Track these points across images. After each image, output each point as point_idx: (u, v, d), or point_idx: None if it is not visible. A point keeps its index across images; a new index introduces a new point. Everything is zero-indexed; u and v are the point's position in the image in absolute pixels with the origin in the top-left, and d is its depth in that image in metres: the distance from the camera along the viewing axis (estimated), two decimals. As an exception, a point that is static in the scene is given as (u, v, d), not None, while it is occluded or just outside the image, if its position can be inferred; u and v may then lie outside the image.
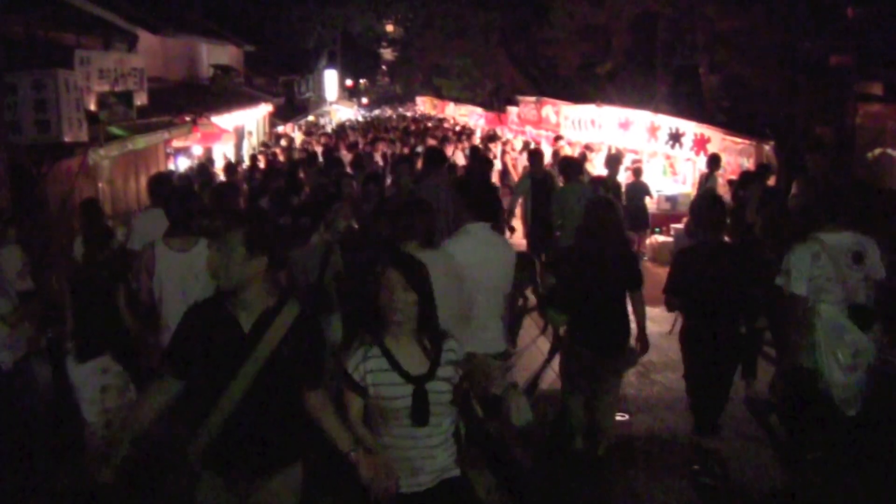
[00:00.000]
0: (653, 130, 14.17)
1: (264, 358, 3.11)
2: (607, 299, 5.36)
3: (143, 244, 5.89)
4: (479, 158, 13.60)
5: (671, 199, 13.31)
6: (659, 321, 8.04)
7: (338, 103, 47.54)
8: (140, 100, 11.89)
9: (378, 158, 17.41)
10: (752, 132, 12.70)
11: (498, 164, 17.27)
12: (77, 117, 8.81)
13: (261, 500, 3.26)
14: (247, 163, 17.76)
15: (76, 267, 5.97)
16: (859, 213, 5.63)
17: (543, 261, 9.31)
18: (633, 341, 5.55)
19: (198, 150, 16.17)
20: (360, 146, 19.88)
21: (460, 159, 16.64)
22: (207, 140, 15.41)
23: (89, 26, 12.58)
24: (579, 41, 21.93)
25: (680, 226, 11.60)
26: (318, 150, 17.64)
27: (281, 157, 17.37)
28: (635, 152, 14.97)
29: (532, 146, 15.40)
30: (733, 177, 11.22)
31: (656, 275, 9.56)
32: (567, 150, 15.46)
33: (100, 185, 10.96)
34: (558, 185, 9.66)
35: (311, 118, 36.71)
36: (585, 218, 5.57)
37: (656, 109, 15.49)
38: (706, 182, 11.30)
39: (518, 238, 11.09)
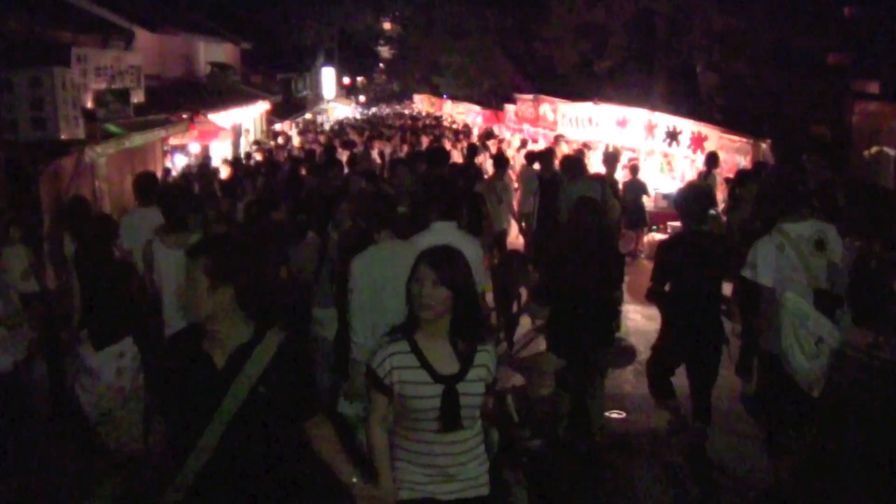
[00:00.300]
0: (650, 128, 14.18)
1: (242, 398, 2.77)
2: (588, 295, 5.42)
3: (130, 243, 6.12)
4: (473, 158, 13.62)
5: (668, 197, 13.33)
6: (656, 318, 8.05)
7: (335, 101, 47.52)
8: (137, 97, 11.88)
9: (375, 157, 17.40)
10: (749, 130, 12.71)
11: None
12: (74, 115, 8.80)
13: None
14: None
15: (80, 258, 5.89)
16: (820, 202, 6.01)
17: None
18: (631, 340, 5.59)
19: (195, 148, 16.17)
20: (357, 144, 19.87)
21: (457, 158, 16.62)
22: (204, 138, 15.41)
23: (86, 24, 12.56)
24: (577, 39, 21.93)
25: (677, 223, 11.61)
26: (318, 149, 17.63)
27: (279, 154, 17.38)
28: (633, 150, 14.98)
29: (545, 146, 15.34)
30: (730, 175, 11.23)
31: (653, 273, 9.57)
32: (565, 150, 15.43)
33: (97, 183, 10.94)
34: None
35: (308, 116, 36.68)
36: (571, 216, 5.71)
37: (654, 107, 15.48)
38: (705, 180, 11.30)
39: (512, 238, 11.09)
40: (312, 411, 3.03)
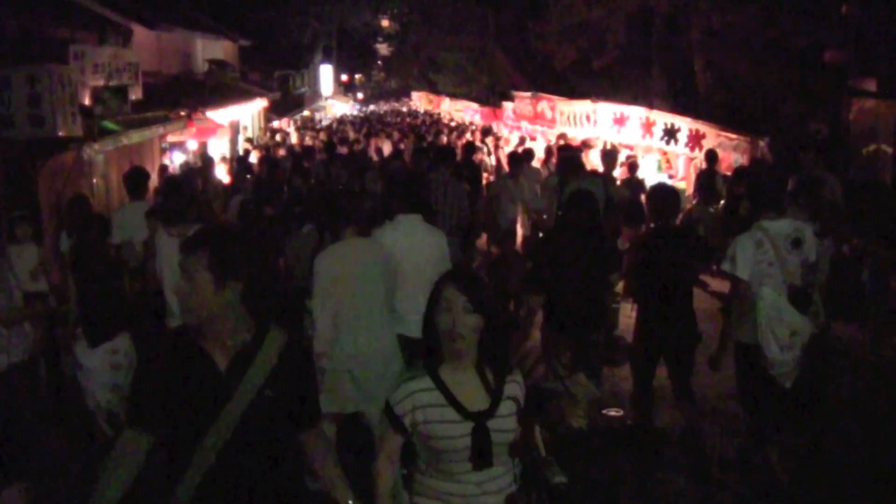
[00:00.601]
0: (648, 126, 14.17)
1: (246, 402, 2.57)
2: (580, 284, 5.49)
3: (121, 237, 6.46)
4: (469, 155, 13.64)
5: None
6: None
7: (333, 98, 47.54)
8: (135, 94, 11.88)
9: (372, 154, 17.41)
10: (747, 128, 12.72)
11: (492, 160, 17.31)
12: (71, 112, 8.80)
13: None
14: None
15: (79, 256, 5.92)
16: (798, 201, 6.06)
17: None
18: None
19: (193, 145, 16.16)
20: (358, 142, 19.90)
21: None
22: (202, 135, 15.41)
23: (84, 21, 12.55)
24: (575, 37, 21.90)
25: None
26: (317, 145, 17.65)
27: (281, 152, 17.40)
28: (630, 148, 14.97)
29: (561, 143, 15.30)
30: (728, 173, 11.23)
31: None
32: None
33: (94, 180, 10.94)
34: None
35: (306, 113, 36.68)
36: (565, 208, 5.81)
37: (651, 105, 15.49)
38: (709, 178, 11.28)
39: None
40: (314, 420, 2.85)
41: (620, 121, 14.95)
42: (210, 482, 2.58)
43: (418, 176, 5.93)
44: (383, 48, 68.02)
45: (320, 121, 36.86)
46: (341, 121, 35.84)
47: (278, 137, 24.51)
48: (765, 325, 4.85)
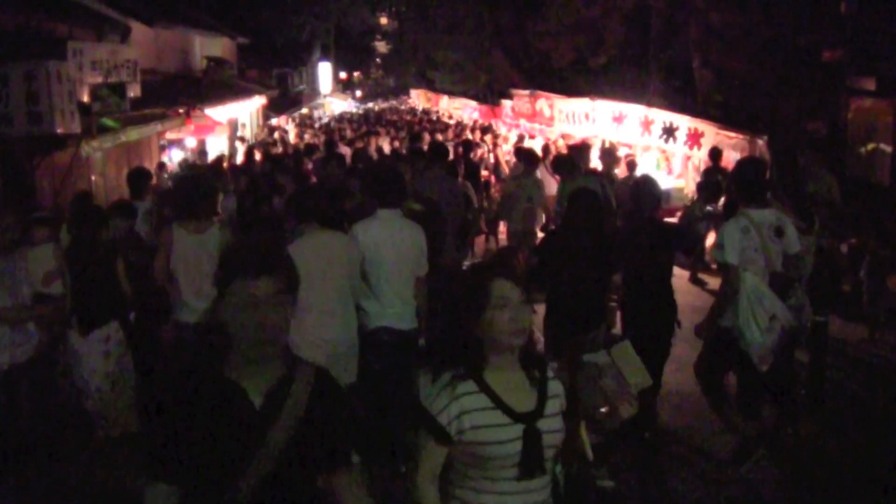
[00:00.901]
0: (646, 124, 14.18)
1: (283, 442, 2.25)
2: (582, 281, 5.61)
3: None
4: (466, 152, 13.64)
5: (665, 194, 13.33)
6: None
7: (332, 96, 47.54)
8: (133, 92, 11.87)
9: (373, 153, 17.39)
10: (745, 127, 12.72)
11: (491, 158, 17.30)
12: (69, 109, 8.79)
13: None
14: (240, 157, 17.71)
15: (74, 246, 5.95)
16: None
17: None
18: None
19: (191, 143, 16.15)
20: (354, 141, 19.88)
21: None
22: (201, 132, 15.39)
23: (82, 18, 12.53)
24: (573, 35, 21.91)
25: (674, 220, 11.63)
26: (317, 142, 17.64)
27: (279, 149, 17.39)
28: (629, 146, 14.98)
29: (578, 140, 15.26)
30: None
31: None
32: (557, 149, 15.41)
33: (92, 177, 10.94)
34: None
35: (304, 111, 36.67)
36: (567, 206, 5.92)
37: (650, 103, 15.49)
38: (715, 177, 11.26)
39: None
40: (347, 458, 2.48)
41: (619, 119, 14.96)
42: None
43: (397, 172, 6.03)
44: (382, 46, 67.99)
45: (320, 118, 36.83)
46: (340, 119, 35.80)
47: (276, 135, 24.50)
48: (746, 309, 5.00)
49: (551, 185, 10.62)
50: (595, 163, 12.21)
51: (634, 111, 14.65)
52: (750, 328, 5.01)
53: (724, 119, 13.89)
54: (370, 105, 54.00)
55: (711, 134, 12.75)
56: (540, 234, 10.72)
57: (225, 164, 14.80)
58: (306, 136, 24.67)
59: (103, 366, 5.79)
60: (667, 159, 14.64)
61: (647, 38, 19.50)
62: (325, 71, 46.55)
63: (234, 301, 2.20)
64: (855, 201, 10.90)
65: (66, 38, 11.06)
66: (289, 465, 2.27)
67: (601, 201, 6.07)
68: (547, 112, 18.55)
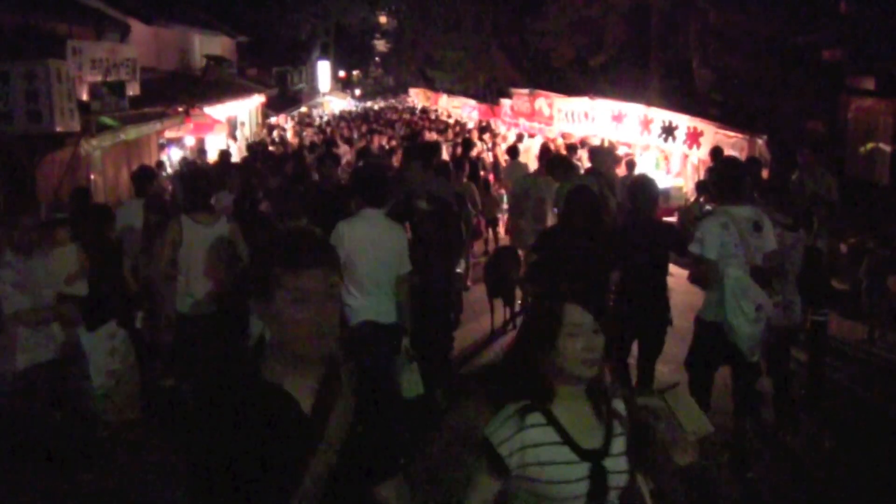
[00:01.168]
0: (646, 123, 14.18)
1: (335, 451, 2.03)
2: (579, 279, 5.57)
3: (125, 230, 6.74)
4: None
5: (664, 193, 13.34)
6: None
7: (331, 95, 47.50)
8: (132, 90, 11.87)
9: (374, 151, 17.39)
10: (744, 126, 12.73)
11: (489, 157, 17.33)
12: (69, 107, 8.79)
13: None
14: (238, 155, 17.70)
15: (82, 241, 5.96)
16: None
17: None
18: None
19: (190, 141, 16.15)
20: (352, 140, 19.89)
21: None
22: (200, 131, 15.39)
23: (81, 16, 12.53)
24: (572, 34, 21.91)
25: (672, 219, 11.64)
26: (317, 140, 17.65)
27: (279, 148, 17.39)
28: (628, 145, 14.98)
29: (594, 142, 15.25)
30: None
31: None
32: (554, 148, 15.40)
33: (92, 175, 10.93)
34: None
35: (304, 109, 36.67)
36: (566, 204, 5.99)
37: (649, 103, 15.49)
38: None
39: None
40: (394, 467, 2.28)
41: (618, 118, 14.97)
42: None
43: (382, 172, 6.18)
44: (381, 44, 68.00)
45: (320, 117, 36.82)
46: (341, 117, 35.80)
47: (275, 134, 24.50)
48: (732, 301, 5.10)
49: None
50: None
51: (634, 110, 14.65)
52: (738, 319, 5.10)
53: (724, 118, 13.90)
54: (368, 104, 53.99)
55: (710, 133, 12.75)
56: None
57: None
58: (306, 135, 24.66)
59: (109, 362, 5.83)
60: (666, 158, 14.65)
61: (647, 37, 19.49)
62: (324, 69, 46.53)
63: (282, 295, 1.98)
64: (854, 201, 10.92)
65: (65, 36, 11.06)
66: (339, 478, 2.05)
67: (598, 200, 6.12)
68: (546, 111, 18.56)
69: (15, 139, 8.65)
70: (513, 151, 13.59)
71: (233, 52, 25.69)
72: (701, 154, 12.72)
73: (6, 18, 10.18)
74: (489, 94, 29.83)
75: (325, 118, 35.89)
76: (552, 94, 18.74)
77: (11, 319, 4.95)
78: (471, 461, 2.47)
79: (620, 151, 14.18)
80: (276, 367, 2.04)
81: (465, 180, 10.91)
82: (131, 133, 11.03)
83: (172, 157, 15.51)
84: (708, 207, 10.57)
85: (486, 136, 20.68)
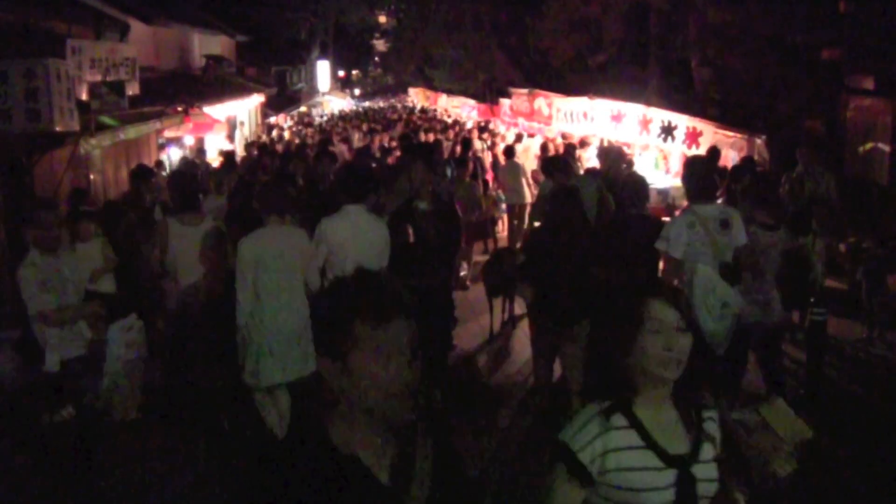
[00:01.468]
0: (645, 123, 14.18)
1: None
2: (567, 275, 5.82)
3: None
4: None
5: (663, 193, 13.33)
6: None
7: (330, 94, 47.51)
8: (132, 89, 11.86)
9: (375, 151, 17.39)
10: (744, 126, 12.73)
11: (489, 157, 17.32)
12: (68, 107, 8.78)
13: None
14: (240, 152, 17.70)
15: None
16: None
17: None
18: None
19: (189, 141, 16.15)
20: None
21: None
22: (199, 130, 15.39)
23: (81, 15, 12.52)
24: (571, 33, 21.89)
25: (669, 219, 11.62)
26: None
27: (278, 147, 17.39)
28: (627, 145, 14.98)
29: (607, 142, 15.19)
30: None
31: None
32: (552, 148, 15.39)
33: (91, 175, 10.93)
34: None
35: (303, 109, 36.67)
36: (549, 204, 6.14)
37: (648, 102, 15.49)
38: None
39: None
40: None
41: (617, 118, 14.96)
42: None
43: (365, 170, 6.52)
44: (380, 44, 67.97)
45: (320, 116, 36.82)
46: (342, 117, 35.80)
47: (274, 133, 24.50)
48: (699, 298, 5.25)
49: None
50: (594, 162, 12.21)
51: (633, 110, 14.65)
52: (702, 315, 5.22)
53: (723, 118, 13.91)
54: (367, 103, 53.97)
55: (710, 133, 12.76)
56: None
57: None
58: (306, 134, 24.66)
59: (124, 353, 5.88)
60: (665, 158, 14.63)
61: (646, 36, 19.49)
62: (323, 69, 46.53)
63: (362, 351, 1.79)
64: (853, 200, 10.91)
65: (65, 35, 11.05)
66: None
67: (580, 199, 6.20)
68: (545, 111, 18.56)
69: (14, 138, 8.65)
70: (509, 151, 13.60)
71: (232, 52, 25.69)
72: (700, 154, 12.72)
73: (5, 17, 10.17)
74: (488, 93, 29.83)
75: (325, 117, 35.90)
76: (551, 94, 18.74)
77: (37, 320, 4.87)
78: (548, 469, 2.29)
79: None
80: (348, 432, 1.84)
81: (467, 179, 10.92)
82: (130, 132, 11.03)
83: (172, 157, 15.51)
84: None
85: (485, 136, 20.67)
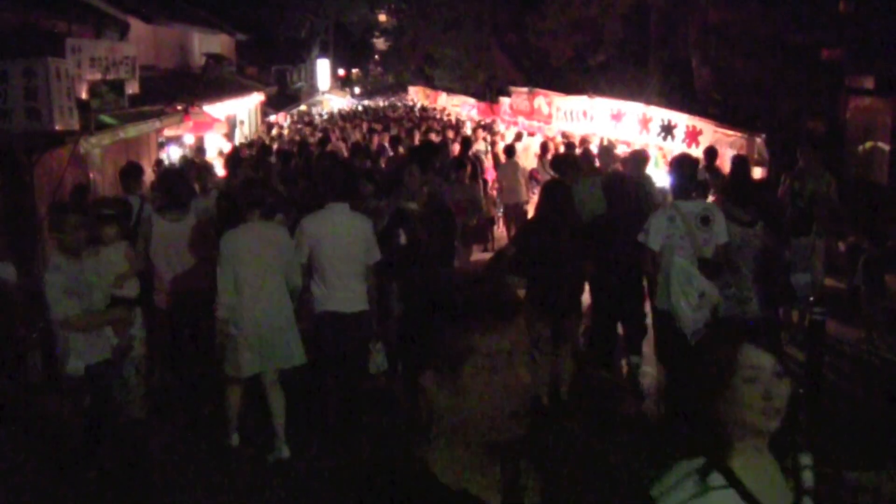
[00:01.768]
0: (645, 122, 14.18)
1: None
2: (558, 268, 6.02)
3: None
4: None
5: (662, 191, 13.30)
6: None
7: (330, 93, 47.49)
8: (131, 88, 11.85)
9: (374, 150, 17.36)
10: (743, 125, 12.72)
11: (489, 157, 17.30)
12: (68, 106, 8.78)
13: None
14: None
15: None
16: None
17: None
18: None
19: (189, 140, 16.14)
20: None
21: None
22: (199, 129, 15.38)
23: (81, 14, 12.51)
24: (572, 32, 21.90)
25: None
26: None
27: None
28: (627, 144, 14.97)
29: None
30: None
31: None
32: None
33: (91, 174, 10.92)
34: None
35: (303, 108, 36.67)
36: (542, 198, 6.31)
37: (648, 101, 15.48)
38: (707, 175, 11.23)
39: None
40: None
41: (617, 117, 14.97)
42: None
43: (346, 169, 6.69)
44: (380, 43, 67.88)
45: (319, 115, 36.81)
46: (342, 116, 35.79)
47: (274, 132, 24.48)
48: (677, 289, 5.50)
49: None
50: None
51: (633, 109, 14.65)
52: (680, 306, 5.48)
53: (723, 117, 13.91)
54: (366, 102, 53.91)
55: (710, 132, 12.75)
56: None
57: (223, 161, 14.79)
58: (306, 133, 24.64)
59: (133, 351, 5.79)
60: (665, 157, 14.62)
61: (646, 36, 19.51)
62: (323, 68, 46.54)
63: (472, 364, 1.51)
64: (852, 200, 10.90)
65: (64, 34, 11.04)
66: None
67: (569, 195, 6.29)
68: (545, 110, 18.56)
69: (13, 137, 8.64)
70: (509, 150, 13.60)
71: (232, 51, 25.68)
72: (700, 153, 12.71)
73: (5, 15, 10.17)
74: (488, 92, 29.83)
75: (325, 116, 35.88)
76: (551, 93, 18.74)
77: (62, 326, 4.78)
78: None
79: (619, 150, 14.15)
80: (450, 461, 1.55)
81: (466, 181, 10.88)
82: (131, 131, 11.01)
83: (172, 156, 15.50)
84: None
85: (485, 135, 20.65)
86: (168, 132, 14.67)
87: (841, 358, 7.78)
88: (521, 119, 20.45)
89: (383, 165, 12.21)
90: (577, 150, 14.17)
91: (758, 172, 11.25)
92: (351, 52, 61.84)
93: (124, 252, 5.88)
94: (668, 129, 13.59)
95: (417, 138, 18.45)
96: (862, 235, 9.43)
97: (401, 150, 13.20)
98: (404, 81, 54.61)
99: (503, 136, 20.07)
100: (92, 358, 4.92)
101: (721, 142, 12.34)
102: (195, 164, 12.23)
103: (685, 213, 5.69)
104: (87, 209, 6.37)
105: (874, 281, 8.22)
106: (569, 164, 9.36)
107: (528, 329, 6.28)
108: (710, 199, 10.79)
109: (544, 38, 23.55)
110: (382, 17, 61.86)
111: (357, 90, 65.35)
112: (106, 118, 10.47)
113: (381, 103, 50.30)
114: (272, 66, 32.20)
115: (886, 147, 11.92)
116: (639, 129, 14.35)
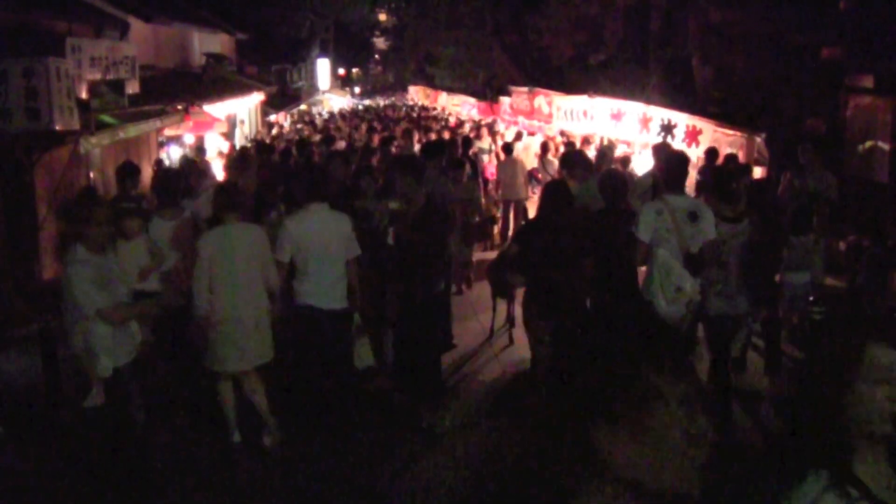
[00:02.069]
0: (645, 121, 14.18)
1: None
2: (559, 268, 6.02)
3: None
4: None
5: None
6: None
7: (330, 92, 47.49)
8: (131, 88, 11.87)
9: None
10: (743, 124, 12.72)
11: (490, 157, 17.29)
12: (68, 105, 8.79)
13: None
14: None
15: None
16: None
17: None
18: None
19: (189, 139, 16.14)
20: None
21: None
22: (199, 129, 15.37)
23: (81, 14, 12.53)
24: (572, 32, 21.92)
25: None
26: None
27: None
28: (627, 143, 14.98)
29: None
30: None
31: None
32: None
33: (91, 173, 10.93)
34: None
35: (303, 107, 36.66)
36: (543, 198, 6.29)
37: (648, 100, 15.48)
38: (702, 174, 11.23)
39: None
40: None
41: (617, 116, 14.96)
42: None
43: (325, 171, 7.06)
44: (380, 42, 67.91)
45: (319, 114, 36.81)
46: (342, 115, 35.79)
47: (274, 132, 24.49)
48: (656, 281, 5.64)
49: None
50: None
51: (633, 108, 14.65)
52: (657, 297, 5.63)
53: (723, 116, 13.90)
54: (367, 101, 53.90)
55: (710, 131, 12.75)
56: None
57: (223, 161, 14.80)
58: (307, 133, 24.65)
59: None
60: (665, 157, 14.62)
61: (647, 35, 19.51)
62: (323, 67, 46.54)
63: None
64: (853, 199, 10.88)
65: (64, 34, 11.05)
66: None
67: (568, 194, 6.32)
68: (545, 109, 18.55)
69: (14, 137, 8.65)
70: (508, 148, 13.59)
71: (232, 50, 25.69)
72: (700, 152, 12.72)
73: (5, 15, 10.17)
74: (489, 91, 29.82)
75: (325, 116, 35.88)
76: (551, 92, 18.73)
77: (94, 319, 4.65)
78: None
79: (619, 150, 14.15)
80: None
81: (465, 180, 10.87)
82: (131, 131, 11.01)
83: (172, 155, 15.50)
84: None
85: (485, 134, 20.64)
86: (168, 132, 14.66)
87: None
88: (521, 118, 20.44)
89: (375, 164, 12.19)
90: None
91: (758, 172, 11.23)
92: (351, 52, 61.81)
93: (146, 246, 5.91)
94: (668, 129, 13.59)
95: (417, 138, 18.44)
96: (862, 234, 9.43)
97: (392, 149, 13.18)
98: (404, 81, 54.61)
99: (503, 136, 20.08)
100: (120, 359, 4.82)
101: (721, 141, 12.34)
102: (195, 165, 12.24)
103: (674, 208, 5.77)
104: (130, 206, 6.44)
105: (878, 279, 8.22)
106: (577, 161, 9.34)
107: (529, 329, 6.33)
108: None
109: (545, 37, 23.58)
110: (383, 17, 61.86)
111: (357, 89, 65.34)
112: (106, 118, 10.48)
113: (381, 103, 50.30)
114: (272, 66, 32.20)
115: (886, 146, 11.91)
116: (639, 129, 14.34)
